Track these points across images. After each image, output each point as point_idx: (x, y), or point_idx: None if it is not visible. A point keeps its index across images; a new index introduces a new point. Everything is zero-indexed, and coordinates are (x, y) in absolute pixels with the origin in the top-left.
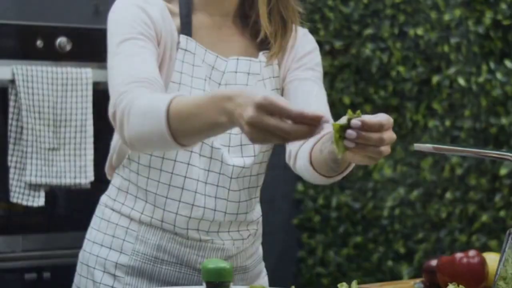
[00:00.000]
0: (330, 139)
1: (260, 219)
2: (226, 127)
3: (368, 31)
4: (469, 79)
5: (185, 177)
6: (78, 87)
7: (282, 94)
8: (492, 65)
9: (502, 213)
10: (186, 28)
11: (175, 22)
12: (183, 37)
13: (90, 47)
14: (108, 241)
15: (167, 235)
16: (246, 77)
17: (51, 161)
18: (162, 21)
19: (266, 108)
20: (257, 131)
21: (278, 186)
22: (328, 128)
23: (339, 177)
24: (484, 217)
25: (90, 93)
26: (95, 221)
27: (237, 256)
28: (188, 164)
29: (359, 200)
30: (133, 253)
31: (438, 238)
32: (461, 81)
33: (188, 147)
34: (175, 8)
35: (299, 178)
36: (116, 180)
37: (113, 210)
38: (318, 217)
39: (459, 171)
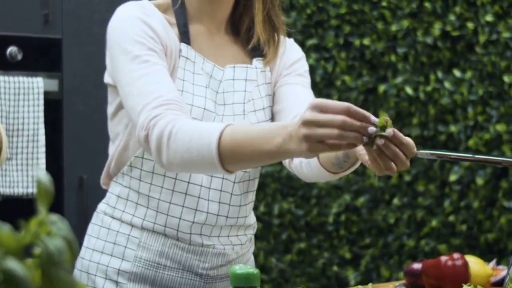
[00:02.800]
0: None
1: (256, 224)
2: (282, 157)
3: (312, 41)
4: (417, 88)
5: (188, 182)
6: (30, 96)
7: (273, 99)
8: (440, 74)
9: (451, 218)
10: (185, 37)
11: (174, 31)
12: (183, 46)
13: (41, 57)
14: (109, 248)
15: (170, 241)
16: (244, 83)
17: (4, 170)
18: (165, 32)
19: (318, 106)
20: (313, 130)
21: None
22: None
23: (344, 174)
24: (434, 222)
25: (41, 102)
26: (93, 229)
27: (235, 261)
28: None
29: (302, 207)
30: (135, 259)
31: (385, 243)
32: (409, 90)
33: (233, 173)
34: (172, 18)
35: None
36: (114, 188)
37: (113, 217)
38: (260, 224)
39: (407, 178)
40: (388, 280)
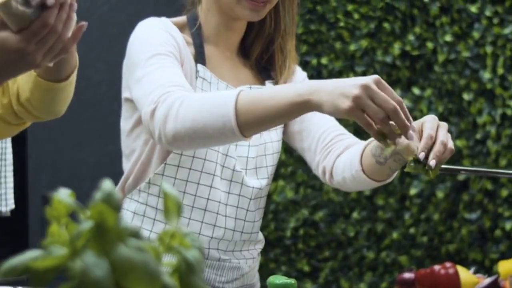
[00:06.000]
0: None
1: (263, 239)
2: (304, 106)
3: None
4: None
5: (207, 199)
6: None
7: None
8: (399, 92)
9: (412, 230)
10: (201, 57)
11: (190, 50)
12: (200, 66)
13: None
14: None
15: None
16: None
17: None
18: (184, 49)
19: (379, 82)
20: (366, 97)
21: None
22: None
23: (389, 179)
24: (394, 235)
25: None
26: None
27: (248, 274)
28: (211, 187)
29: None
30: None
31: (345, 255)
32: None
33: (247, 139)
34: (188, 37)
35: None
36: (130, 205)
37: None
38: None
39: (367, 192)
40: None
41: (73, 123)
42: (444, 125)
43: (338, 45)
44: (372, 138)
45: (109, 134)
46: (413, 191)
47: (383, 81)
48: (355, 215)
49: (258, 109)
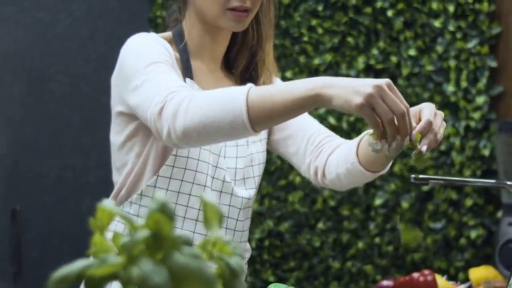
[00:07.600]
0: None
1: (250, 248)
2: (314, 100)
3: None
4: (340, 117)
5: (199, 209)
6: None
7: (269, 130)
8: None
9: (377, 240)
10: (188, 72)
11: (179, 66)
12: (188, 81)
13: None
14: None
15: None
16: None
17: None
18: (175, 63)
19: (391, 86)
20: (378, 97)
21: None
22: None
23: (385, 171)
24: (360, 244)
25: None
26: None
27: None
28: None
29: None
30: None
31: (311, 265)
32: (332, 120)
33: (257, 134)
34: (176, 53)
35: None
36: None
37: None
38: None
39: (332, 203)
40: None
41: (36, 136)
42: (440, 114)
43: (302, 59)
44: (365, 132)
45: (71, 147)
46: (378, 201)
47: (394, 86)
48: (320, 225)
49: (269, 103)
